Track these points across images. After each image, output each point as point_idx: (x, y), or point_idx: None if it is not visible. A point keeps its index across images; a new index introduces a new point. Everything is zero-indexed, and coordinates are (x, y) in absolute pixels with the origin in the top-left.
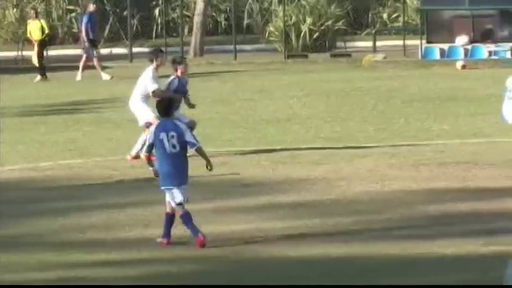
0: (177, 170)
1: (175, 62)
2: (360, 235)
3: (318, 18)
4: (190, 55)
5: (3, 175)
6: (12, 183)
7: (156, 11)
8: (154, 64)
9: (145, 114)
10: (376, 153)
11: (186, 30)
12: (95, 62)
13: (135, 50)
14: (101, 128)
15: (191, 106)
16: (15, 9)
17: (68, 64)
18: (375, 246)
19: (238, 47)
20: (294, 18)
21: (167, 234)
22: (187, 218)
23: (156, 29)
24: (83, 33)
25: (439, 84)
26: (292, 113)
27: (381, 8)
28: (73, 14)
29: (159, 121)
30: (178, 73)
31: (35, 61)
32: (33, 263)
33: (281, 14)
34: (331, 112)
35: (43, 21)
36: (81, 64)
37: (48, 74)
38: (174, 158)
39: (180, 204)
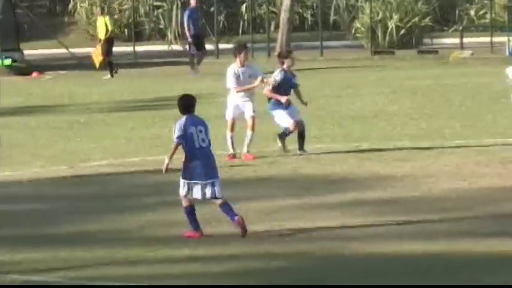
0: (205, 165)
1: (281, 56)
2: (447, 232)
3: (405, 15)
4: (276, 51)
5: (90, 170)
6: (98, 178)
7: (243, 7)
8: (237, 60)
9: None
10: (463, 150)
11: (272, 27)
12: (190, 57)
13: (221, 46)
14: None
15: (303, 102)
16: (102, 5)
17: (155, 60)
18: (461, 244)
19: (324, 43)
20: (380, 15)
21: (196, 226)
22: (189, 211)
23: (242, 25)
24: (185, 29)
25: None
26: (378, 110)
27: (468, 5)
28: (160, 10)
29: (185, 116)
30: (285, 66)
31: (96, 59)
32: (120, 258)
33: (368, 10)
34: (417, 109)
35: (107, 19)
36: (195, 60)
37: (135, 70)
38: (203, 152)
39: (185, 196)
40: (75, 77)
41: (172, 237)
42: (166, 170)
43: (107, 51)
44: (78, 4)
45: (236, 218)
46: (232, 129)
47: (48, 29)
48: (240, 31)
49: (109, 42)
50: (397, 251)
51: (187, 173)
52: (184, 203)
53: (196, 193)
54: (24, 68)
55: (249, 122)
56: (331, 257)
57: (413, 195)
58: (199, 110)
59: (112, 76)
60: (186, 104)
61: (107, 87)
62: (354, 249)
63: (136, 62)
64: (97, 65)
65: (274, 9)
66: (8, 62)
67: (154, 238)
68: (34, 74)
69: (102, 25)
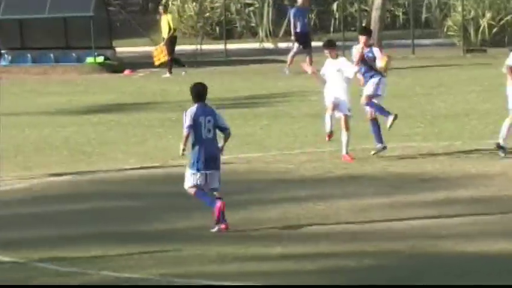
0: (208, 155)
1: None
2: None
3: (497, 13)
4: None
5: (181, 168)
6: None
7: (334, 6)
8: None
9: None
10: None
11: (364, 25)
12: (290, 54)
13: (313, 44)
14: (278, 123)
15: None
16: (194, 3)
17: (246, 58)
18: None
19: (416, 41)
20: (472, 13)
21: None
22: (199, 194)
23: (334, 23)
24: (291, 27)
25: None
26: (470, 108)
27: None
28: (251, 8)
29: (197, 105)
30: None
31: (157, 58)
32: (212, 256)
33: (460, 8)
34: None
35: (170, 17)
36: (307, 59)
37: (226, 68)
38: (207, 143)
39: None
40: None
41: (264, 235)
42: (183, 154)
43: (170, 50)
44: (170, 2)
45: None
46: (332, 110)
47: (140, 27)
48: (331, 29)
49: (172, 41)
50: (490, 251)
51: (193, 162)
52: (192, 192)
53: (200, 181)
54: (116, 66)
55: (343, 121)
56: (423, 255)
57: (506, 194)
58: (289, 109)
59: (171, 73)
60: (198, 92)
61: None
62: (445, 248)
63: (228, 59)
64: (157, 63)
65: (365, 7)
66: (100, 59)
67: (246, 235)
68: (126, 72)
69: (166, 24)
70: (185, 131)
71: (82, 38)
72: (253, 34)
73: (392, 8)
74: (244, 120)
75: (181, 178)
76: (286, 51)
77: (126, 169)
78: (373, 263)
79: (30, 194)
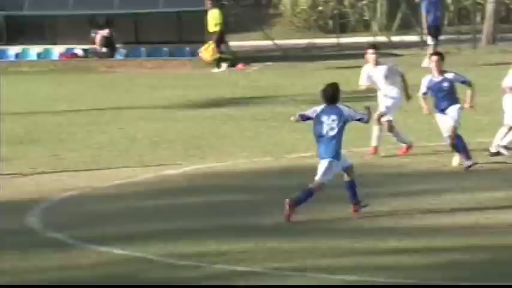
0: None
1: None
2: None
3: None
4: (482, 42)
5: (295, 162)
6: (304, 169)
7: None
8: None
9: None
10: None
11: (478, 18)
12: (429, 49)
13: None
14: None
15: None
16: None
17: (359, 52)
18: None
19: None
20: None
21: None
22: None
23: (448, 17)
24: (423, 19)
25: None
26: None
27: None
28: (364, 2)
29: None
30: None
31: (208, 55)
32: (325, 249)
33: None
34: None
35: (217, 12)
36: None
37: (340, 62)
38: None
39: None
40: (280, 69)
41: (378, 229)
42: None
43: (218, 46)
44: None
45: None
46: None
47: (254, 21)
48: (446, 22)
49: (219, 37)
50: None
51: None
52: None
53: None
54: (230, 60)
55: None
56: None
57: None
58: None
59: (219, 68)
60: (331, 94)
61: (311, 79)
62: None
63: (341, 53)
64: (209, 59)
65: (480, 1)
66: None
67: (359, 229)
68: (239, 66)
69: (212, 18)
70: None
71: (196, 32)
72: (367, 27)
73: (507, 1)
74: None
75: (295, 171)
76: (400, 44)
77: (239, 163)
78: (487, 258)
79: (145, 187)
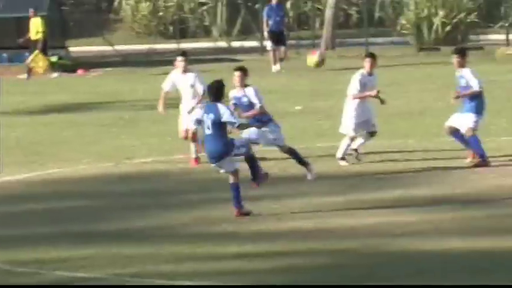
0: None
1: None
2: (493, 229)
3: (450, 11)
4: (321, 48)
5: (135, 167)
6: (144, 175)
7: (288, 4)
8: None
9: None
10: (509, 146)
11: (317, 24)
12: (270, 53)
13: (265, 43)
14: None
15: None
16: (147, 3)
17: (199, 57)
18: (508, 241)
19: (369, 40)
20: (426, 11)
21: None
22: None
23: (288, 22)
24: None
25: None
26: (424, 107)
27: None
28: (205, 7)
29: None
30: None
31: (37, 65)
32: (166, 255)
33: (413, 6)
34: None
35: (39, 20)
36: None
37: None
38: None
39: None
40: (121, 74)
41: (218, 234)
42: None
43: (44, 52)
44: (124, 2)
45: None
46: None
47: (94, 26)
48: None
49: (43, 43)
50: (443, 248)
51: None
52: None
53: None
54: (70, 65)
55: None
56: (376, 254)
57: (460, 192)
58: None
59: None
60: (215, 90)
61: (152, 85)
62: (399, 246)
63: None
64: (42, 69)
65: (319, 6)
66: (54, 59)
67: (200, 234)
68: (80, 71)
69: (34, 26)
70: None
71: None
72: (207, 33)
73: (345, 7)
74: None
75: (135, 177)
76: (239, 49)
77: (80, 169)
78: (327, 262)
79: None
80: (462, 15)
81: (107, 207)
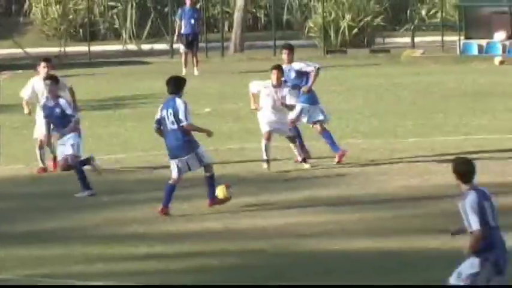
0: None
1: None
2: (399, 229)
3: (357, 14)
4: (230, 50)
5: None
6: (55, 177)
7: (197, 7)
8: None
9: None
10: (415, 148)
11: (226, 26)
12: (182, 56)
13: (175, 45)
14: (143, 123)
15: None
16: (57, 6)
17: (110, 60)
18: (415, 241)
19: (277, 42)
20: (333, 14)
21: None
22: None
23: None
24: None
25: (477, 79)
26: (331, 108)
27: (419, 5)
28: (114, 10)
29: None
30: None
31: None
32: (77, 256)
33: (320, 10)
34: (370, 107)
35: None
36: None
37: (90, 70)
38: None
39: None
40: (31, 77)
41: (129, 235)
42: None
43: None
44: (34, 4)
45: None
46: None
47: (4, 29)
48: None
49: None
50: (350, 248)
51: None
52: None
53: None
54: None
55: None
56: (285, 254)
57: (367, 193)
58: (155, 109)
59: None
60: (172, 83)
61: None
62: (308, 246)
63: (91, 61)
64: None
65: (227, 9)
66: None
67: (111, 236)
68: None
69: None
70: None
71: None
72: (117, 36)
73: (254, 10)
74: (109, 122)
75: (45, 178)
76: (149, 52)
77: None
78: (236, 262)
79: None
80: (368, 18)
81: (17, 209)
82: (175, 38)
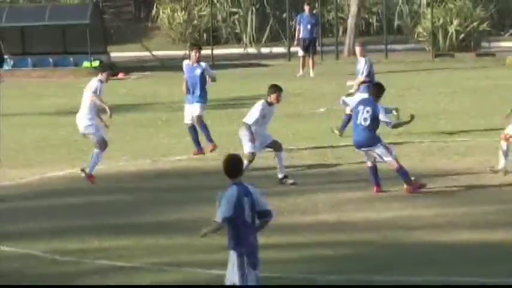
0: None
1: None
2: (504, 223)
3: (464, 20)
4: (344, 54)
5: (171, 165)
6: (179, 172)
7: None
8: None
9: None
10: None
11: (340, 31)
12: (300, 59)
13: (292, 49)
14: None
15: None
16: (183, 12)
17: (231, 62)
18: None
19: (389, 46)
20: (441, 20)
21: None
22: None
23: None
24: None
25: None
26: (439, 109)
27: None
28: (236, 16)
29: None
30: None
31: None
32: (199, 246)
33: (429, 16)
34: (476, 107)
35: None
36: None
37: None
38: None
39: None
40: (158, 78)
41: None
42: None
43: None
44: (161, 11)
45: None
46: None
47: (133, 34)
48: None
49: None
50: (457, 240)
51: None
52: None
53: None
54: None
55: None
56: (394, 245)
57: (473, 188)
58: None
59: None
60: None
61: None
62: (416, 238)
63: (214, 64)
64: None
65: (342, 15)
66: (95, 63)
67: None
68: (120, 75)
69: None
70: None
71: (79, 44)
72: (238, 40)
73: (366, 16)
74: (229, 120)
75: (171, 173)
76: (268, 55)
77: (120, 165)
78: (349, 252)
79: (31, 189)
80: (475, 24)
81: (144, 201)
82: (295, 41)
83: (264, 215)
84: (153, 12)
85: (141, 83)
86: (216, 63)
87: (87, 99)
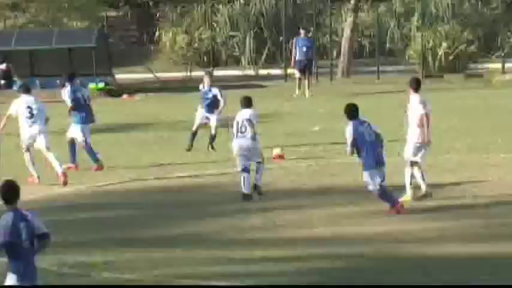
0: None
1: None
2: (491, 236)
3: (453, 43)
4: (338, 75)
5: (174, 181)
6: (181, 188)
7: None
8: None
9: None
10: (506, 163)
11: (334, 53)
12: (297, 80)
13: (289, 71)
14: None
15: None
16: (184, 35)
17: (230, 83)
18: (505, 247)
19: (381, 68)
20: (431, 43)
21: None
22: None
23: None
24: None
25: None
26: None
27: (509, 33)
28: (235, 39)
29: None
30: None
31: None
32: (200, 259)
33: (419, 39)
34: (464, 126)
35: None
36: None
37: None
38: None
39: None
40: (161, 99)
41: (247, 240)
42: None
43: None
44: (163, 34)
45: None
46: None
47: (137, 56)
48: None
49: None
50: (446, 253)
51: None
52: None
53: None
54: (115, 91)
55: None
56: (386, 258)
57: (461, 203)
58: (269, 127)
59: None
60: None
61: (188, 108)
62: (407, 250)
63: (214, 85)
64: None
65: (336, 38)
66: (101, 85)
67: (231, 241)
68: (125, 96)
69: None
70: None
71: (85, 66)
72: (237, 62)
73: (360, 39)
74: (229, 138)
75: (175, 190)
76: (265, 77)
77: (125, 182)
78: (343, 265)
79: (37, 204)
80: (463, 46)
81: (149, 216)
82: (291, 63)
83: (43, 237)
84: (156, 35)
85: (145, 104)
86: (217, 84)
87: None
